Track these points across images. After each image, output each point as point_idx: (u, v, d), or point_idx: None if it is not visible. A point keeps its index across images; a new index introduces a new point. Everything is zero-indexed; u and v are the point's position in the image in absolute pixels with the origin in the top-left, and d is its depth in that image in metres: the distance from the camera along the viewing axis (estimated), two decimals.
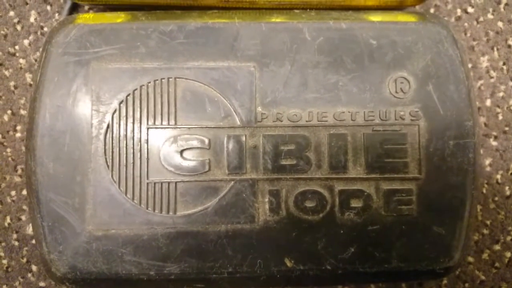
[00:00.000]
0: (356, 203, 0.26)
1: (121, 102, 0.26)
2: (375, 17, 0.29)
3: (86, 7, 0.35)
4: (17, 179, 0.34)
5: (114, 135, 0.26)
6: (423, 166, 0.26)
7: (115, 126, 0.26)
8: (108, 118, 0.26)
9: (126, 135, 0.26)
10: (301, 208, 0.26)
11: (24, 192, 0.34)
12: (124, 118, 0.26)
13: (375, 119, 0.27)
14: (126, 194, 0.25)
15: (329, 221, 0.26)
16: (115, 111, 0.26)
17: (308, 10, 0.29)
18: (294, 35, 0.27)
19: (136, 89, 0.26)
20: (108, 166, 0.25)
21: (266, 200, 0.26)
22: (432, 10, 0.36)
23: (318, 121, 0.26)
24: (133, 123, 0.26)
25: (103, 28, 0.26)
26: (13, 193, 0.34)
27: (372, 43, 0.27)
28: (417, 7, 0.35)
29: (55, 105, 0.26)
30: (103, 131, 0.26)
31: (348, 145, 0.26)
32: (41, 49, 0.27)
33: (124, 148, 0.26)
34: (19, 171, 0.34)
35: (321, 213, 0.26)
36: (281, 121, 0.26)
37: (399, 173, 0.26)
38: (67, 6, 0.34)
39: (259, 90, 0.26)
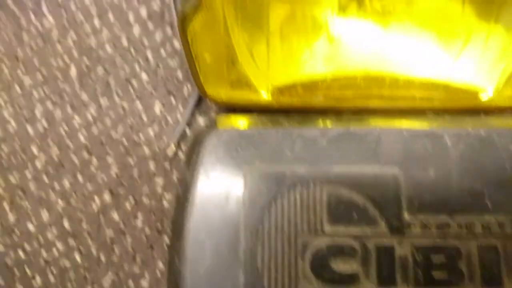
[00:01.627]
0: None
1: (270, 208, 0.26)
2: (505, 123, 0.30)
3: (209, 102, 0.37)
4: (136, 270, 0.34)
5: (264, 240, 0.26)
6: None
7: (266, 231, 0.26)
8: (258, 223, 0.26)
9: (276, 241, 0.26)
10: None
11: (143, 283, 0.34)
12: (274, 224, 0.26)
13: None
14: None
15: None
16: (264, 216, 0.26)
17: (440, 114, 0.30)
18: (435, 141, 0.27)
19: (284, 195, 0.27)
20: (258, 271, 0.26)
21: None
22: None
23: (467, 230, 0.26)
24: (282, 228, 0.26)
25: (252, 134, 0.28)
26: (130, 282, 0.34)
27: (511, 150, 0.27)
28: None
29: (208, 207, 0.27)
30: (254, 236, 0.26)
31: (500, 257, 0.26)
32: (188, 150, 0.29)
33: (274, 254, 0.26)
34: (138, 261, 0.34)
35: None
36: (430, 229, 0.26)
37: None
38: (193, 101, 0.36)
39: (405, 196, 0.27)
